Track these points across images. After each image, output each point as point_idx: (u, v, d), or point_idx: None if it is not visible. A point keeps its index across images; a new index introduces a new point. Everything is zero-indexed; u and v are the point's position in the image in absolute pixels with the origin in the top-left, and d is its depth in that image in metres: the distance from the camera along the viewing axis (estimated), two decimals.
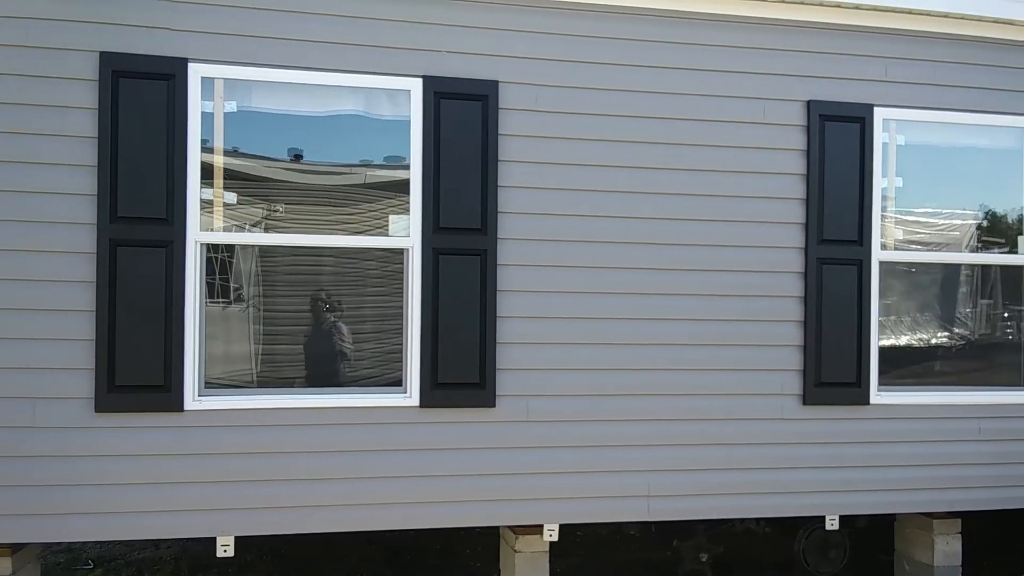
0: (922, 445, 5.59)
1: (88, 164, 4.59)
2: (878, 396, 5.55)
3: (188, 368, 4.69)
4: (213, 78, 4.72)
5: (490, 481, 5.06)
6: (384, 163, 5.01)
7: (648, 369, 5.21)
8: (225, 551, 4.85)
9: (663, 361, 5.23)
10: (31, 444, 4.56)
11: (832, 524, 5.61)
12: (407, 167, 4.94)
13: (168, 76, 4.63)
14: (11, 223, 4.52)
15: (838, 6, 5.35)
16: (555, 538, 5.16)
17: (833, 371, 5.46)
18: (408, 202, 4.96)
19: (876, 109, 5.50)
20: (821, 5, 5.34)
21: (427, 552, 6.70)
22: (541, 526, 5.17)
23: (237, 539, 4.88)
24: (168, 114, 4.65)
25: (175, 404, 4.68)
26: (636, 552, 6.59)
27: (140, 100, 4.61)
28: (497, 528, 5.60)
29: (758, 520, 6.08)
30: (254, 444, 4.78)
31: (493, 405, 5.00)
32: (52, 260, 4.56)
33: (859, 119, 5.51)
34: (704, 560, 6.08)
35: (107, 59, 4.58)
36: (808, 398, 5.41)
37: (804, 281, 5.41)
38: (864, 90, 5.55)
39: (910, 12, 5.45)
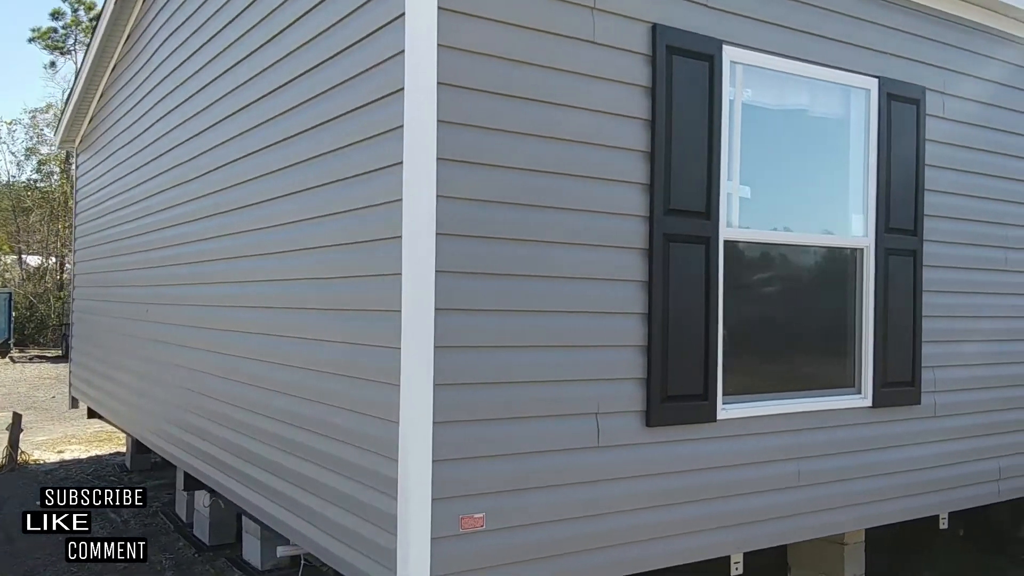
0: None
1: (640, 149, 4.08)
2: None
3: (719, 374, 4.32)
4: (738, 64, 4.41)
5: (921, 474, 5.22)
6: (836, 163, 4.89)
7: None
8: (737, 568, 4.53)
9: None
10: (593, 467, 3.94)
11: None
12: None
13: (708, 57, 4.26)
14: (569, 212, 3.88)
15: None
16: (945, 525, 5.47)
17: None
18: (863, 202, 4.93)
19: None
20: None
21: None
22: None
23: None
24: (709, 99, 4.27)
25: (710, 414, 4.29)
26: None
27: (687, 81, 4.19)
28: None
29: None
30: (765, 452, 4.52)
31: (919, 402, 5.17)
32: (608, 256, 4.01)
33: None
34: None
35: (661, 32, 4.11)
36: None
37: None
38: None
39: None
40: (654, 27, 4.09)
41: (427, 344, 3.48)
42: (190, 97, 6.24)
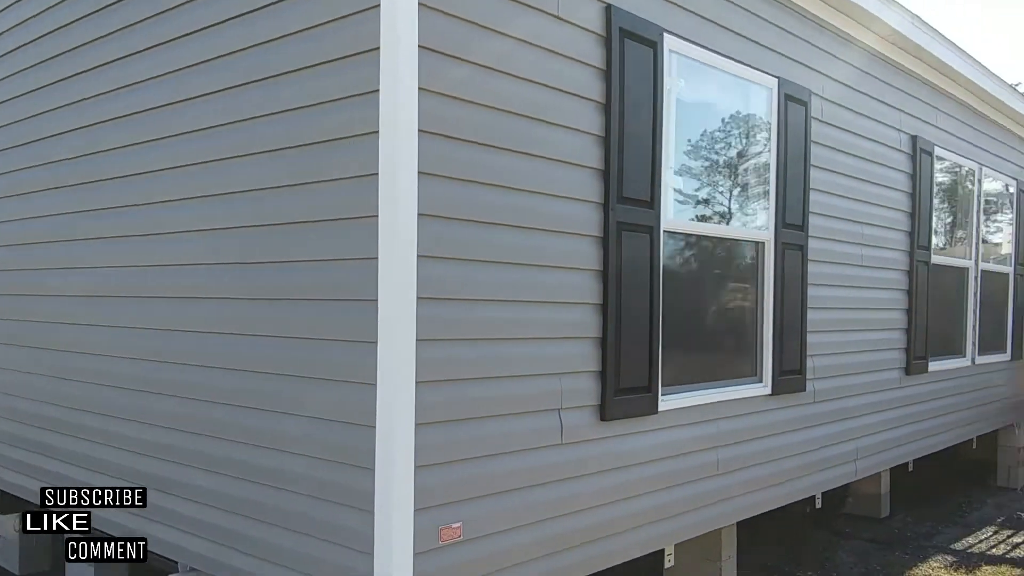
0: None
1: (595, 132, 3.92)
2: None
3: (659, 366, 4.26)
4: (675, 53, 4.36)
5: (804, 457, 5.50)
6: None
7: None
8: (670, 560, 4.49)
9: None
10: (557, 465, 3.73)
11: None
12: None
13: (652, 43, 4.18)
14: (525, 193, 3.60)
15: None
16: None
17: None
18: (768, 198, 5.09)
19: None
20: None
21: None
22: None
23: None
24: (653, 86, 4.19)
25: (653, 406, 4.22)
26: None
27: (636, 65, 4.09)
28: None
29: None
30: (693, 442, 4.53)
31: (804, 389, 5.45)
32: (564, 242, 3.79)
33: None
34: None
35: (616, 14, 3.98)
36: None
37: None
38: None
39: None
40: (608, 7, 3.95)
41: (409, 337, 3.11)
42: None
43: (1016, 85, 8.71)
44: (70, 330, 4.82)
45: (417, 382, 3.12)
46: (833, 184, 5.70)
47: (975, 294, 7.93)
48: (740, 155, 5.03)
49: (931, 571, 6.27)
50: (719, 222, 4.86)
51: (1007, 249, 8.83)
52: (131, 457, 4.35)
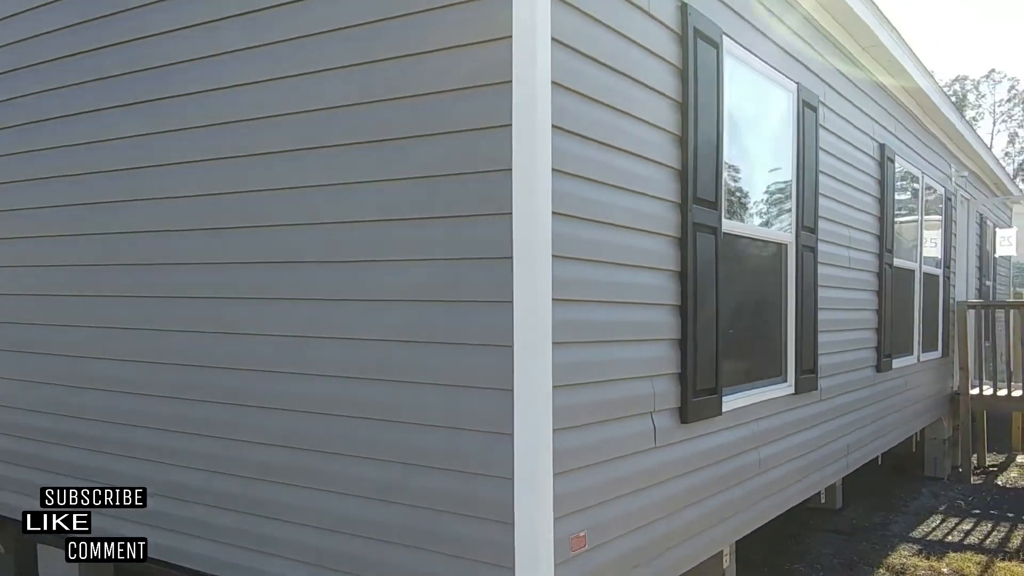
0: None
1: (672, 131, 3.89)
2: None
3: (722, 367, 4.26)
4: (729, 55, 4.37)
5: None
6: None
7: None
8: (727, 560, 4.49)
9: None
10: (653, 469, 3.67)
11: None
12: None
13: (716, 45, 4.18)
14: (627, 193, 3.52)
15: None
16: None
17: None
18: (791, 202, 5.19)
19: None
20: None
21: None
22: None
23: None
24: (717, 87, 4.19)
25: (718, 407, 4.22)
26: None
27: (704, 66, 4.08)
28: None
29: None
30: (742, 442, 4.56)
31: (817, 388, 5.60)
32: (649, 243, 3.71)
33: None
34: None
35: (691, 13, 3.96)
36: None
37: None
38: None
39: None
40: (684, 6, 3.93)
41: (545, 340, 2.98)
42: None
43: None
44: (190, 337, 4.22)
45: (553, 387, 2.99)
46: (830, 188, 5.89)
47: (920, 295, 8.39)
48: (768, 157, 5.11)
49: (904, 559, 6.54)
50: (750, 223, 4.92)
51: (935, 253, 9.38)
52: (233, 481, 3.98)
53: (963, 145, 9.91)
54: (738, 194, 4.75)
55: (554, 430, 2.99)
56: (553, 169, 3.00)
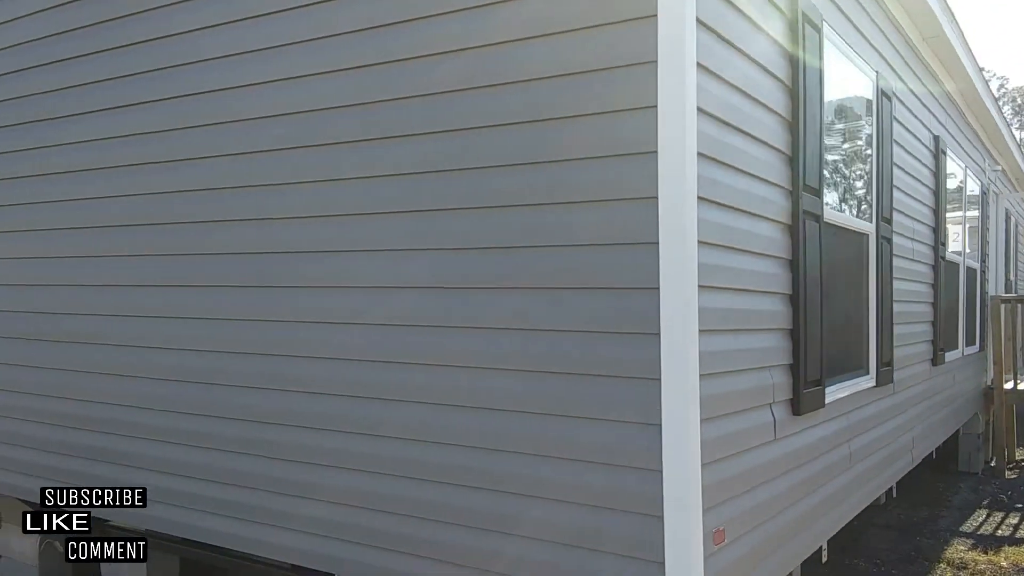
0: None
1: (781, 113, 3.78)
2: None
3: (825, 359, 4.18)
4: (826, 41, 4.29)
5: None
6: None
7: None
8: (824, 555, 4.41)
9: None
10: (774, 462, 3.58)
11: None
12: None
13: (817, 27, 4.09)
14: (749, 178, 3.40)
15: None
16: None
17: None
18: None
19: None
20: None
21: None
22: None
23: None
24: (820, 71, 4.10)
25: (822, 399, 4.14)
26: None
27: (810, 49, 3.99)
28: None
29: None
30: (838, 435, 4.48)
31: (893, 381, 5.52)
32: (763, 228, 3.58)
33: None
34: None
35: None
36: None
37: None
38: None
39: None
40: None
41: (692, 327, 2.88)
42: None
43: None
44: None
45: (701, 375, 2.90)
46: (899, 178, 5.82)
47: (963, 288, 8.35)
48: (852, 146, 5.04)
49: (962, 554, 6.49)
50: (838, 212, 4.84)
51: (974, 247, 9.35)
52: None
53: (998, 141, 9.90)
54: (829, 183, 4.67)
55: (702, 420, 2.89)
56: (698, 153, 2.90)
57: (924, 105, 6.55)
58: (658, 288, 2.85)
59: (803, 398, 3.83)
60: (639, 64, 2.87)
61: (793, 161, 3.81)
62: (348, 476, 3.61)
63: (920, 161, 6.43)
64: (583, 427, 3.03)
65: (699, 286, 2.90)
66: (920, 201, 6.46)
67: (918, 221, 6.39)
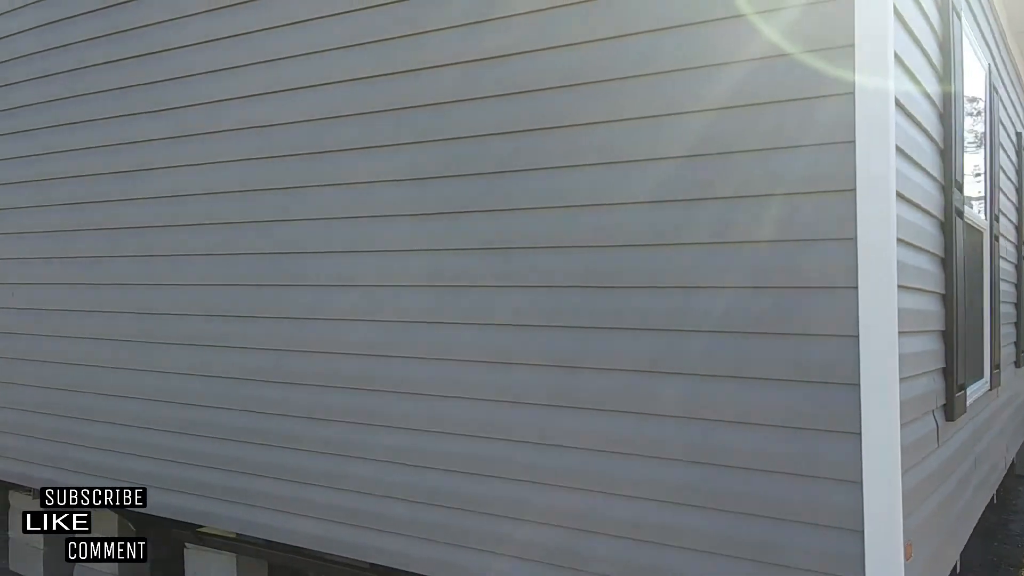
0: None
1: (935, 99, 3.51)
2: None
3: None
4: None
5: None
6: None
7: None
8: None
9: None
10: (935, 474, 3.39)
11: None
12: None
13: (959, 15, 3.91)
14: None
15: None
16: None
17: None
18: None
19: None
20: None
21: None
22: None
23: None
24: (960, 58, 3.91)
25: (964, 404, 3.95)
26: None
27: (955, 36, 3.80)
28: None
29: None
30: (970, 439, 4.29)
31: (1000, 384, 5.34)
32: (926, 223, 3.37)
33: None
34: None
35: None
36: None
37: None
38: None
39: None
40: None
41: (891, 327, 2.69)
42: None
43: None
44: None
45: (900, 379, 2.71)
46: (1000, 178, 5.65)
47: None
48: (968, 140, 4.86)
49: None
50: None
51: None
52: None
53: None
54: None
55: (902, 425, 2.71)
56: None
57: (1012, 101, 6.38)
58: (856, 287, 2.67)
59: (956, 403, 3.64)
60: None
61: (945, 152, 3.63)
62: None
63: (1008, 157, 6.25)
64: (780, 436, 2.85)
65: (899, 286, 2.71)
66: (1008, 199, 6.28)
67: (1007, 219, 6.21)
